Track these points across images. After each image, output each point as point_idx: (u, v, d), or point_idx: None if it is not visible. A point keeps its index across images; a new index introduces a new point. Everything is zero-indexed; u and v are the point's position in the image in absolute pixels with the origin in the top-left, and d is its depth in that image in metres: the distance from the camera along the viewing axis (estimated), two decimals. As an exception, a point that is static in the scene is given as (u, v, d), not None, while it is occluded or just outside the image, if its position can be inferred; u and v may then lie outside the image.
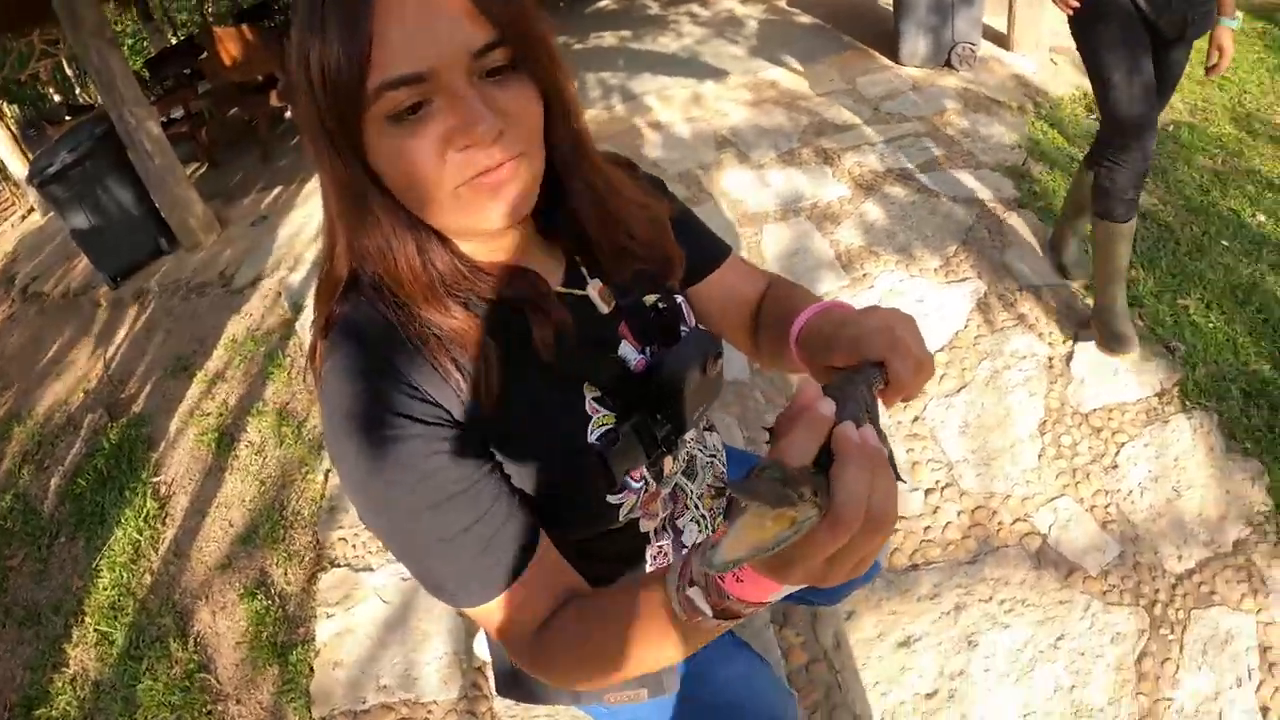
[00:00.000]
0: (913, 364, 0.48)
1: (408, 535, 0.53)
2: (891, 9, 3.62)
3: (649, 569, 0.70)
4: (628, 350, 0.64)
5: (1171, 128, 3.07)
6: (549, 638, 0.54)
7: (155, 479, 2.46)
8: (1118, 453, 2.06)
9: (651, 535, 0.70)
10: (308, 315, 2.85)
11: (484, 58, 0.47)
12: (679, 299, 0.70)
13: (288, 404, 2.54)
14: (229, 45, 4.79)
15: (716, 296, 0.77)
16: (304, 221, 3.61)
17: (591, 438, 0.59)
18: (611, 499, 0.61)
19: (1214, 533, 1.91)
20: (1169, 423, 2.06)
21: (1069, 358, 2.26)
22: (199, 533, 2.23)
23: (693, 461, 0.74)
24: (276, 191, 4.04)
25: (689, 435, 0.72)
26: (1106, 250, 1.98)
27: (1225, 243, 2.52)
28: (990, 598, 1.81)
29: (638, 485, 0.63)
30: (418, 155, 0.48)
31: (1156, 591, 1.84)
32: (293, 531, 2.18)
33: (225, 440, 2.49)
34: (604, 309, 0.64)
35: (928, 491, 2.03)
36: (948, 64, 3.53)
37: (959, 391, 2.22)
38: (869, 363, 0.49)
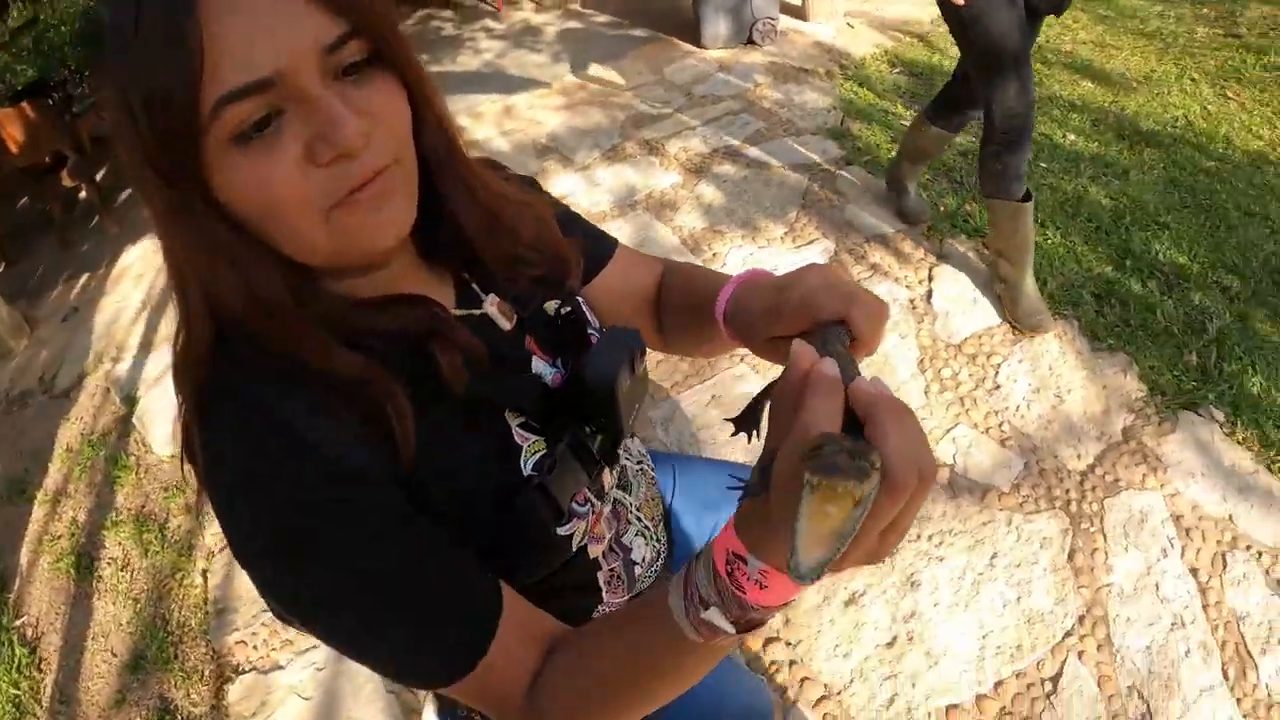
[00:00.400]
0: (874, 314, 0.49)
1: (354, 619, 0.47)
2: None
3: (605, 595, 0.69)
4: (540, 366, 0.62)
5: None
6: (546, 695, 0.50)
7: (18, 622, 2.26)
8: (996, 374, 2.30)
9: (601, 560, 0.68)
10: (145, 405, 2.79)
11: (338, 53, 0.43)
12: (580, 301, 0.68)
13: (143, 508, 2.43)
14: (10, 128, 4.49)
15: (613, 291, 0.75)
16: (120, 306, 3.44)
17: (527, 469, 0.56)
18: (561, 530, 0.58)
19: (1102, 426, 2.14)
20: (1035, 337, 2.34)
21: (929, 296, 2.53)
22: (81, 672, 2.05)
23: (624, 473, 0.73)
24: (84, 280, 3.88)
25: (620, 456, 0.71)
26: (1009, 227, 2.12)
27: (1045, 165, 2.97)
28: (918, 536, 1.91)
29: (584, 509, 0.61)
30: (276, 179, 0.43)
31: (1067, 491, 2.01)
32: (184, 646, 2.04)
33: (84, 562, 2.33)
34: (506, 325, 0.61)
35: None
36: (750, 41, 3.87)
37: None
38: (829, 322, 0.49)
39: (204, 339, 0.48)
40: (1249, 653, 1.76)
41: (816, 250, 2.71)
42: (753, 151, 3.16)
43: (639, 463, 0.78)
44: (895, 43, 3.94)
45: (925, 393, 2.29)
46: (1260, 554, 1.89)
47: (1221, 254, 2.52)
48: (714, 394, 2.21)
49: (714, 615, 0.42)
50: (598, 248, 0.76)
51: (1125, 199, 2.76)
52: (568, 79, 4.14)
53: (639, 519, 0.74)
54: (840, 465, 0.31)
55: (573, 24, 4.87)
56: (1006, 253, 2.21)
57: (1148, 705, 1.69)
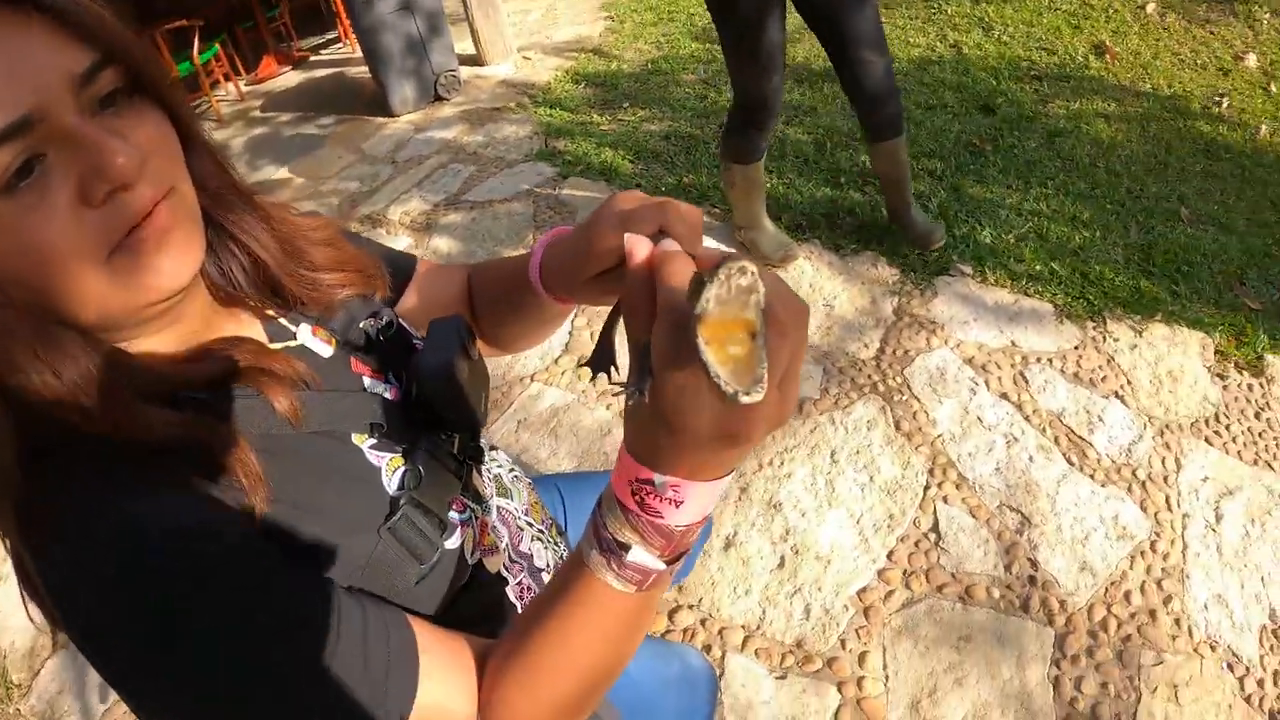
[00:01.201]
0: (690, 218, 0.52)
1: (265, 693, 0.45)
2: (367, 70, 4.38)
3: (519, 611, 0.70)
4: (373, 385, 0.64)
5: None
6: (496, 706, 0.52)
7: None
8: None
9: (504, 572, 0.70)
10: None
11: (92, 83, 0.44)
12: (395, 314, 0.71)
13: None
14: None
15: (425, 303, 0.79)
16: None
17: (391, 487, 0.58)
18: (448, 544, 0.60)
19: (875, 315, 2.51)
20: (788, 266, 2.71)
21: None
22: None
23: (500, 479, 0.77)
24: None
25: (485, 452, 0.75)
26: (742, 185, 2.52)
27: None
28: (760, 465, 2.05)
29: (464, 515, 0.63)
30: (48, 230, 0.42)
31: (869, 377, 2.29)
32: None
33: None
34: (327, 352, 0.64)
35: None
36: (438, 98, 4.33)
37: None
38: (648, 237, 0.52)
39: (9, 445, 0.45)
40: (1080, 437, 2.08)
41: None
42: (473, 194, 3.45)
43: (512, 470, 0.83)
44: (573, 62, 4.69)
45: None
46: (1050, 360, 2.30)
47: (920, 145, 3.21)
48: (519, 419, 2.23)
49: (639, 555, 0.45)
50: (398, 263, 0.79)
51: (820, 130, 3.44)
52: (270, 183, 4.24)
53: (530, 523, 0.78)
54: (725, 296, 0.33)
55: (259, 131, 4.98)
56: (741, 203, 2.65)
57: (1020, 512, 1.90)
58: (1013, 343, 2.36)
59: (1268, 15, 4.24)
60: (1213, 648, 1.66)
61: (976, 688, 1.59)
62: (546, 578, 0.76)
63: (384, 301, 0.72)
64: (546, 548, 0.79)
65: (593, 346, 0.58)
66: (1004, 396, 2.19)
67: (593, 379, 0.60)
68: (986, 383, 2.23)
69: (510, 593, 0.71)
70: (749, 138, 2.38)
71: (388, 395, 0.64)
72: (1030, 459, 2.02)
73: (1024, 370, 2.27)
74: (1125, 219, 2.82)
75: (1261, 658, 1.65)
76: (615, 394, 0.49)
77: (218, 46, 5.43)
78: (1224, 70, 3.81)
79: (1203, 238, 2.74)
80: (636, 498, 0.44)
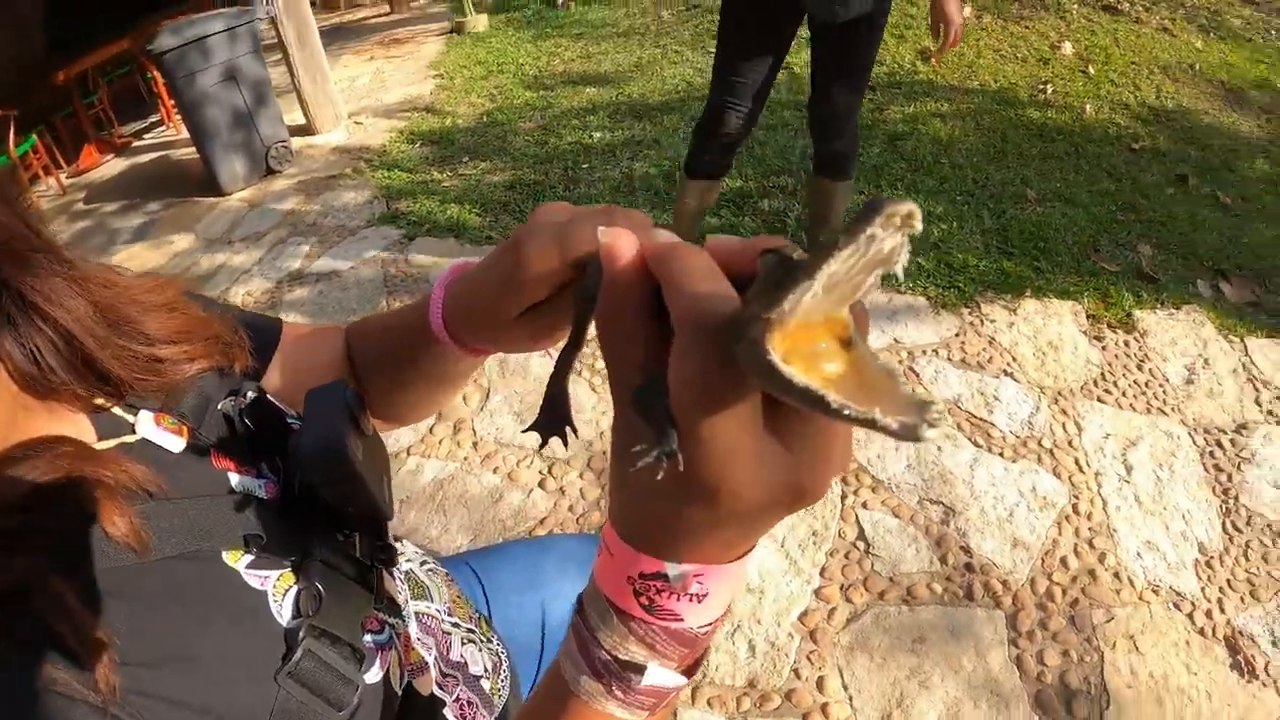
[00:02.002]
0: (639, 219, 0.48)
1: None
2: (194, 150, 4.46)
3: None
4: (242, 481, 0.57)
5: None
6: None
7: None
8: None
9: (438, 692, 0.66)
10: None
11: None
12: (262, 390, 0.65)
13: None
14: None
15: (295, 373, 0.72)
16: None
17: (284, 616, 0.52)
18: (368, 678, 0.55)
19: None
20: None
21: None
22: None
23: (413, 577, 0.72)
24: None
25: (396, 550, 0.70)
26: (681, 195, 2.69)
27: (589, 164, 3.91)
28: None
29: (382, 637, 0.58)
30: None
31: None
32: None
33: None
34: (177, 445, 0.56)
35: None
36: (270, 171, 4.46)
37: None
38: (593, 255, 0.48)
39: None
40: (980, 419, 2.29)
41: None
42: (317, 266, 3.51)
43: (424, 561, 0.79)
44: (407, 122, 4.80)
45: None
46: (935, 350, 2.54)
47: (768, 164, 3.55)
48: (401, 498, 2.16)
49: (655, 675, 0.38)
50: (260, 328, 0.71)
51: (668, 162, 3.71)
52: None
53: (457, 624, 0.74)
54: (835, 278, 0.24)
55: (83, 224, 4.77)
56: (675, 221, 2.76)
57: (942, 503, 2.05)
58: (895, 340, 2.59)
59: (1076, 6, 5.06)
60: (1156, 592, 1.84)
61: (943, 686, 1.67)
62: (487, 685, 0.73)
63: (246, 375, 0.64)
64: (480, 649, 0.75)
65: (529, 406, 0.50)
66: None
67: (541, 447, 0.52)
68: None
69: (450, 714, 0.67)
70: (696, 145, 2.54)
71: (262, 494, 0.57)
72: (939, 449, 2.19)
73: (912, 364, 2.49)
74: (977, 207, 3.20)
75: (1203, 590, 1.84)
76: (634, 466, 0.31)
77: (35, 138, 5.42)
78: (1044, 60, 4.47)
79: (1052, 214, 3.15)
80: (643, 599, 0.37)
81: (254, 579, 0.52)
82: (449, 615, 0.74)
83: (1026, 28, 4.79)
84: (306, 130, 4.97)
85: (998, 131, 3.76)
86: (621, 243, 0.36)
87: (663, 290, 0.34)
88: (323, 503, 0.56)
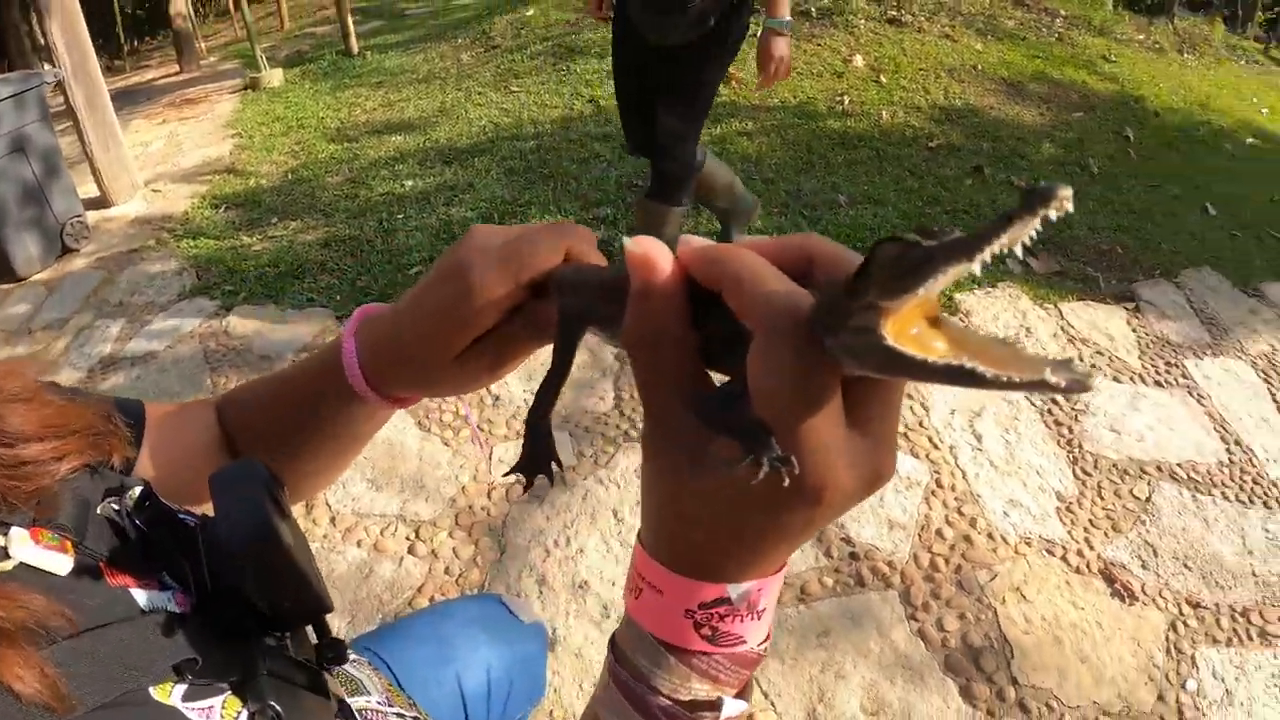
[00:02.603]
0: (588, 235, 0.52)
1: None
2: None
3: None
4: (151, 599, 0.51)
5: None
6: None
7: None
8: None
9: None
10: None
11: None
12: (148, 484, 0.60)
13: None
14: None
15: (166, 460, 0.68)
16: None
17: None
18: None
19: (599, 367, 2.80)
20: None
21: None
22: None
23: (342, 672, 0.71)
24: None
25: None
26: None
27: (404, 214, 3.98)
28: (547, 551, 2.15)
29: None
30: None
31: (616, 425, 2.55)
32: None
33: None
34: (64, 565, 0.49)
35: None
36: (67, 250, 4.32)
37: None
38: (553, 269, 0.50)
39: None
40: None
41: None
42: (130, 349, 3.38)
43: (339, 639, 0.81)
44: (208, 186, 4.84)
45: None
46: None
47: (586, 197, 3.76)
48: None
49: (729, 707, 0.40)
50: (127, 411, 0.67)
51: (483, 203, 3.86)
52: None
53: (399, 714, 0.74)
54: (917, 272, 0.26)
55: None
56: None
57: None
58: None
59: (863, 21, 5.73)
60: (1029, 544, 2.08)
61: (857, 672, 1.81)
62: None
63: (124, 468, 0.60)
64: None
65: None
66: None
67: (527, 488, 0.52)
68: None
69: None
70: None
71: (175, 608, 0.52)
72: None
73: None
74: (794, 217, 3.52)
75: (1069, 532, 2.10)
76: (751, 478, 0.31)
77: None
78: (838, 74, 5.00)
79: (864, 215, 3.52)
80: (704, 630, 0.37)
81: (196, 714, 0.45)
82: (390, 705, 0.73)
83: (819, 45, 5.34)
84: (102, 202, 4.82)
85: (803, 144, 4.15)
86: (657, 251, 0.37)
87: (726, 294, 0.35)
88: (248, 604, 0.51)
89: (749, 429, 0.32)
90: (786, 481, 0.31)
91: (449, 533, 2.21)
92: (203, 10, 11.07)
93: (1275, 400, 2.84)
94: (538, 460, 0.51)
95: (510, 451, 2.42)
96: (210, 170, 5.10)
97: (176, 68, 7.87)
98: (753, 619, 0.38)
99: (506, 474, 0.55)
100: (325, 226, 4.00)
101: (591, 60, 5.46)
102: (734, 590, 0.37)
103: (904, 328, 0.28)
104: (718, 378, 0.38)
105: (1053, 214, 0.25)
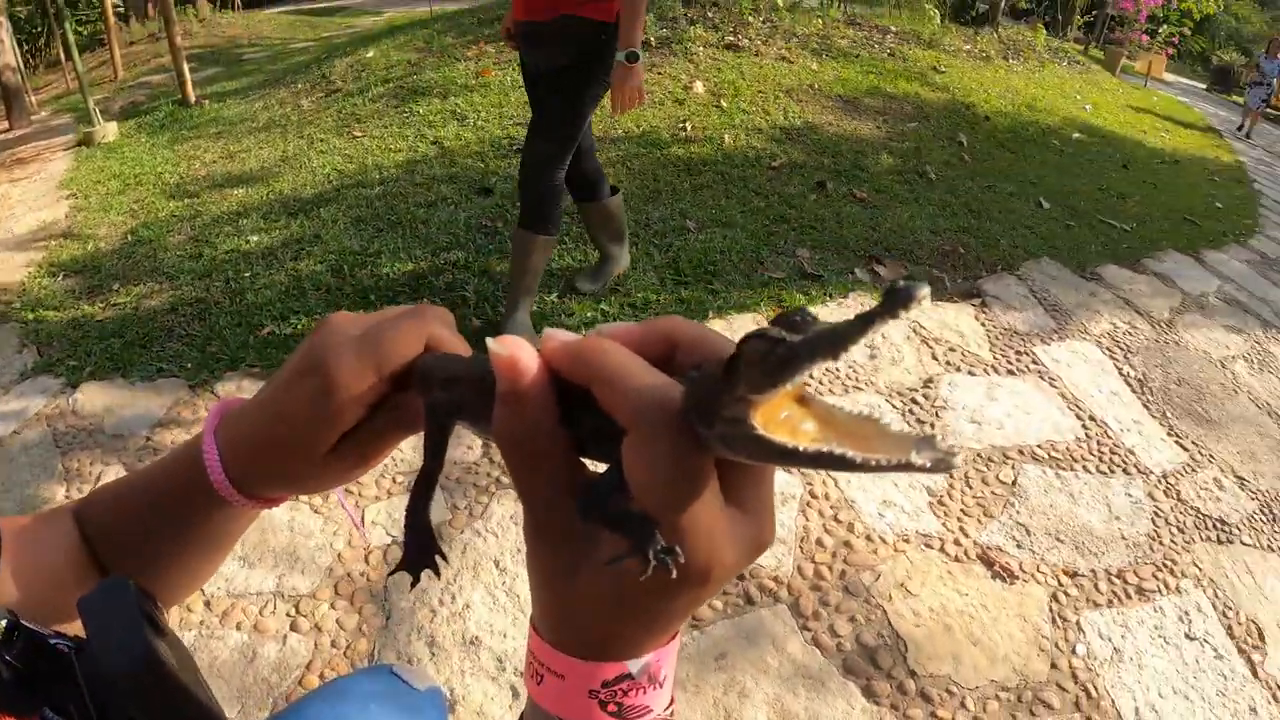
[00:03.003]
0: (448, 318, 0.54)
1: None
2: None
3: None
4: None
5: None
6: None
7: None
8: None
9: None
10: None
11: None
12: (13, 613, 0.56)
13: None
14: None
15: (27, 579, 0.65)
16: None
17: None
18: None
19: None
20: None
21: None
22: None
23: None
24: None
25: None
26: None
27: (251, 271, 3.84)
28: (433, 611, 2.14)
29: None
30: None
31: (486, 473, 2.57)
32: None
33: None
34: None
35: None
36: None
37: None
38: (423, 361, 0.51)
39: None
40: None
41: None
42: None
43: None
44: (44, 252, 4.60)
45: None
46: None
47: (436, 241, 3.77)
48: None
49: None
50: None
51: (333, 256, 3.81)
52: None
53: None
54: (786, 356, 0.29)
55: None
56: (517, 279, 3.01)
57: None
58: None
59: (702, 48, 6.01)
60: (907, 540, 2.20)
61: (760, 689, 1.86)
62: None
63: None
64: None
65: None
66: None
67: (413, 585, 0.53)
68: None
69: None
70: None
71: None
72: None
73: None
74: (645, 246, 3.64)
75: (944, 524, 2.24)
76: (640, 575, 0.34)
77: None
78: (679, 100, 5.21)
79: (714, 238, 3.67)
80: (610, 707, 0.40)
81: None
82: None
83: (660, 73, 5.56)
84: None
85: (649, 172, 4.30)
86: (523, 354, 0.38)
87: (595, 392, 0.36)
88: None
89: (631, 522, 0.34)
90: (674, 573, 0.33)
91: (330, 604, 2.17)
92: (33, 61, 10.52)
93: (1121, 374, 3.13)
94: (421, 556, 0.53)
95: (383, 513, 2.40)
96: (46, 235, 4.87)
97: (6, 124, 7.45)
98: (655, 688, 0.40)
99: (391, 573, 0.56)
100: (170, 290, 3.87)
101: (434, 101, 5.52)
102: (634, 665, 0.39)
103: (774, 413, 0.30)
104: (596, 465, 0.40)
105: (912, 313, 0.26)
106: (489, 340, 0.39)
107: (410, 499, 0.51)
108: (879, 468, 0.27)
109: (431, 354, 0.52)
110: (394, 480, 2.45)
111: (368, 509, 2.42)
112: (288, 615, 2.15)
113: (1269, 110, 13.00)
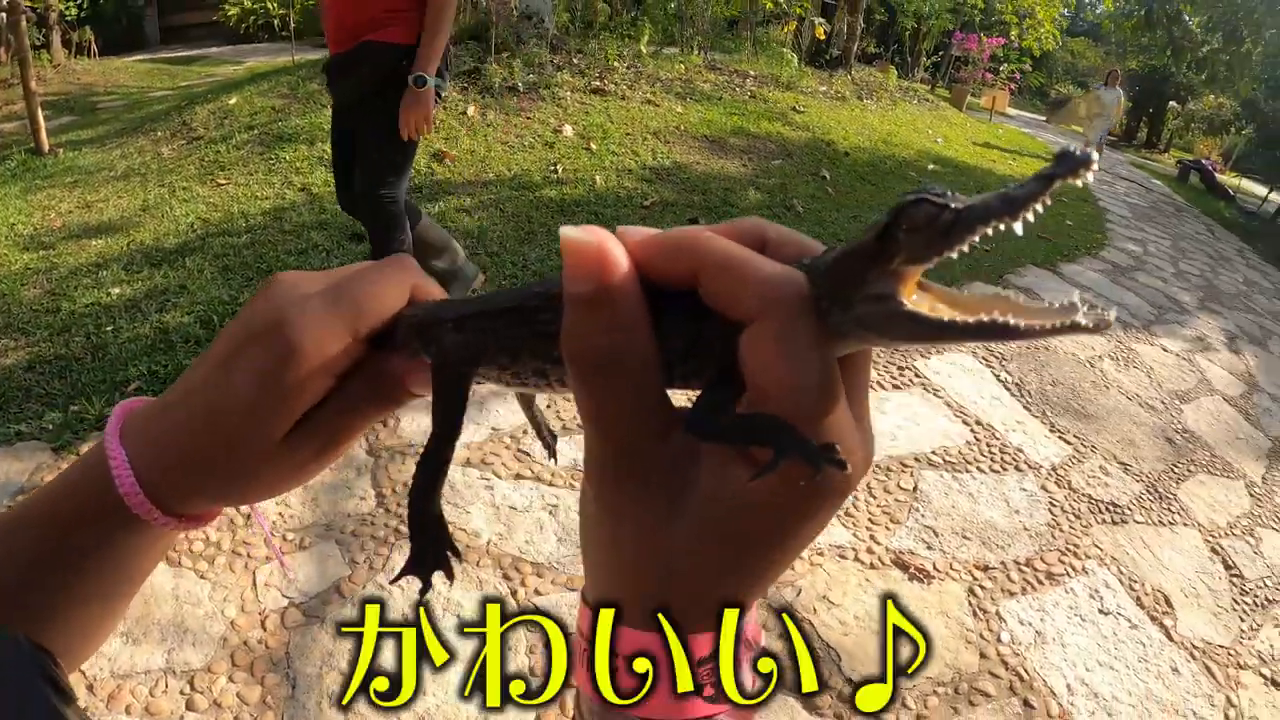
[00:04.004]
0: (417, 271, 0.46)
1: None
2: None
3: None
4: None
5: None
6: None
7: None
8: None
9: None
10: None
11: None
12: None
13: None
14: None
15: None
16: None
17: None
18: None
19: (352, 465, 2.72)
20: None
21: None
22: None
23: None
24: None
25: None
26: None
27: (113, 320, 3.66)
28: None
29: None
30: None
31: (384, 524, 2.47)
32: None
33: None
34: None
35: None
36: None
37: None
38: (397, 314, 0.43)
39: None
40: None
41: None
42: None
43: None
44: None
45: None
46: (525, 430, 2.81)
47: None
48: None
49: None
50: None
51: (199, 306, 3.64)
52: None
53: None
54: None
55: None
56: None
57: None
58: (494, 429, 2.81)
59: (570, 93, 6.07)
60: (821, 554, 2.19)
61: (693, 716, 1.83)
62: None
63: None
64: None
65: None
66: (519, 477, 2.58)
67: (423, 592, 0.42)
68: (496, 473, 2.60)
69: None
70: None
71: None
72: (578, 511, 2.43)
73: (520, 446, 2.72)
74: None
75: (854, 534, 2.25)
76: (807, 480, 0.29)
77: None
78: (549, 144, 5.24)
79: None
80: (709, 690, 0.34)
81: None
82: None
83: (529, 118, 5.60)
84: None
85: (522, 215, 4.30)
86: (609, 243, 0.32)
87: (708, 283, 0.31)
88: None
89: (766, 428, 0.30)
90: (849, 470, 0.30)
91: (228, 676, 2.00)
92: (-122, 111, 9.84)
93: (1000, 380, 3.26)
94: (432, 554, 0.42)
95: (277, 573, 2.25)
96: None
97: None
98: (748, 655, 0.35)
99: (395, 578, 0.43)
100: (27, 347, 3.61)
101: (301, 147, 5.42)
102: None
103: (910, 295, 0.29)
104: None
105: (1088, 178, 0.26)
106: (564, 228, 0.32)
107: (414, 484, 0.41)
108: (1045, 331, 0.26)
109: (420, 304, 0.43)
110: (284, 538, 2.32)
111: (258, 571, 2.27)
112: (182, 693, 1.98)
113: (1109, 138, 13.87)
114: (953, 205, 0.27)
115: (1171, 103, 21.80)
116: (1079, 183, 0.26)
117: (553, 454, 0.48)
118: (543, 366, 0.38)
